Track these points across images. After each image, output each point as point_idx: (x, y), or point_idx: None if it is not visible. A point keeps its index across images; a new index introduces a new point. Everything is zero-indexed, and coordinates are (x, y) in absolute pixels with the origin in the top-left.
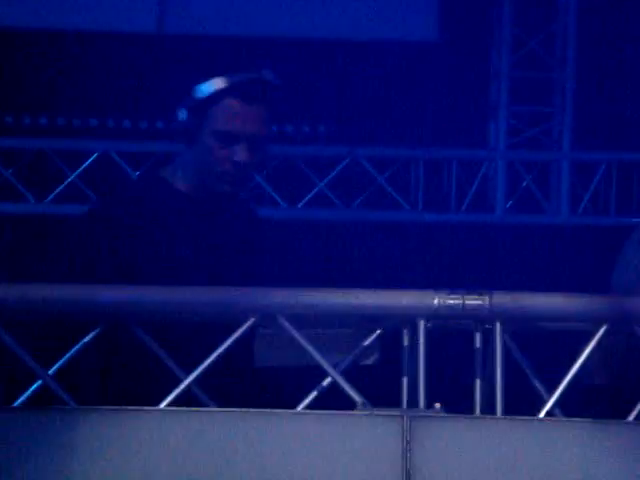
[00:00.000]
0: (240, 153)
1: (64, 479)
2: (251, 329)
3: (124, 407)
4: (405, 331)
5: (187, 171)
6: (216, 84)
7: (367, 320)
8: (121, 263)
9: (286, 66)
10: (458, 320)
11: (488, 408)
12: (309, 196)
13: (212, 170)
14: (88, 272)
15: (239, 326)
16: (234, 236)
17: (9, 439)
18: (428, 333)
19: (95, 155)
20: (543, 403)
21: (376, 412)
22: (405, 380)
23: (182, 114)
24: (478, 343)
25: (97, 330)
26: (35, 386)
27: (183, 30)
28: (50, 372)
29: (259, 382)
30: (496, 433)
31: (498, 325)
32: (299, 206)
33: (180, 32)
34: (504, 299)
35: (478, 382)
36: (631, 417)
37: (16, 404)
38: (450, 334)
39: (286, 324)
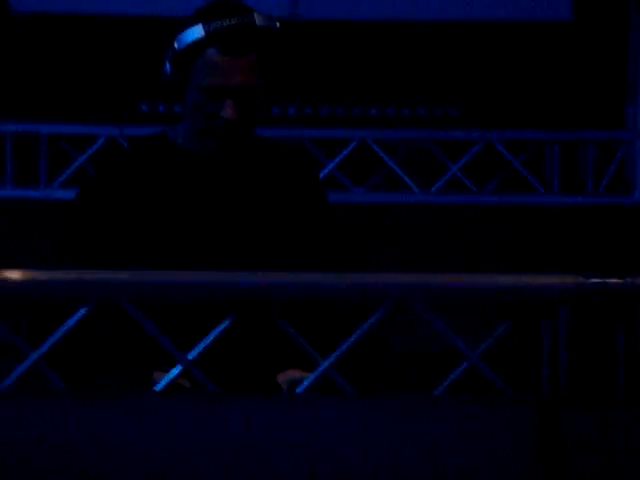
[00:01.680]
0: (226, 109)
1: None
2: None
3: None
4: (544, 316)
5: (191, 127)
6: (194, 33)
7: (505, 304)
8: (118, 235)
9: (419, 49)
10: (600, 304)
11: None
12: (442, 180)
13: (204, 126)
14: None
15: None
16: (260, 196)
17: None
18: (568, 318)
19: None
20: None
21: (515, 397)
22: (545, 366)
23: (166, 67)
24: (620, 329)
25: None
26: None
27: (315, 15)
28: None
29: (398, 366)
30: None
31: None
32: (433, 190)
33: (312, 17)
34: None
35: (621, 369)
36: None
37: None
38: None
39: (422, 307)
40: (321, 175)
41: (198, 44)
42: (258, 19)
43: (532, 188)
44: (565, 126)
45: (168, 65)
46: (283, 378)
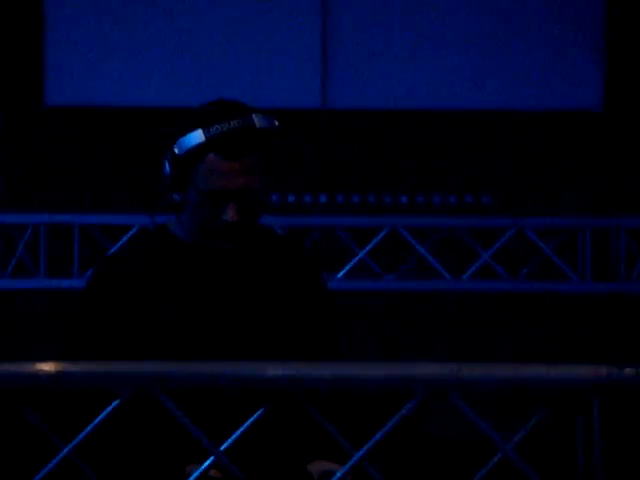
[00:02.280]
0: (228, 212)
1: None
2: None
3: None
4: (578, 408)
5: (190, 223)
6: (194, 139)
7: (538, 396)
8: (123, 331)
9: (451, 137)
10: (634, 395)
11: None
12: (474, 267)
13: (204, 228)
14: (89, 344)
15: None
16: (262, 289)
17: None
18: (602, 410)
19: None
20: None
21: None
22: (581, 459)
23: (166, 168)
24: None
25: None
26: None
27: (344, 105)
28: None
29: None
30: None
31: None
32: (464, 277)
33: (341, 107)
34: None
35: None
36: None
37: None
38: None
39: (457, 400)
40: (350, 263)
41: (198, 149)
42: (257, 120)
43: (564, 275)
44: (597, 212)
45: (168, 167)
46: (314, 469)
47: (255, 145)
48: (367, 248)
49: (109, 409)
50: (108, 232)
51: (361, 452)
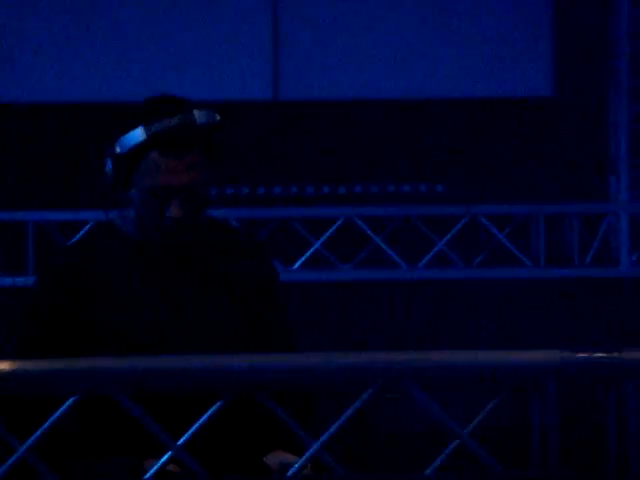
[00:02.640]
0: (172, 209)
1: None
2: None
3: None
4: (532, 392)
5: (136, 219)
6: (135, 137)
7: (493, 381)
8: (75, 329)
9: (404, 126)
10: (586, 379)
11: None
12: (429, 255)
13: (148, 225)
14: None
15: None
16: (213, 282)
17: None
18: (555, 393)
19: None
20: None
21: (505, 475)
22: (536, 442)
23: (108, 166)
24: (610, 403)
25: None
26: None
27: (296, 96)
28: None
29: (386, 447)
30: None
31: (630, 383)
32: (420, 266)
33: (295, 98)
34: (635, 355)
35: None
36: None
37: None
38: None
39: (412, 387)
40: (306, 254)
41: (139, 148)
42: (198, 116)
43: (518, 261)
44: (549, 199)
45: (110, 165)
46: (272, 461)
47: (197, 141)
48: (322, 238)
49: (64, 407)
50: (62, 229)
51: (319, 442)
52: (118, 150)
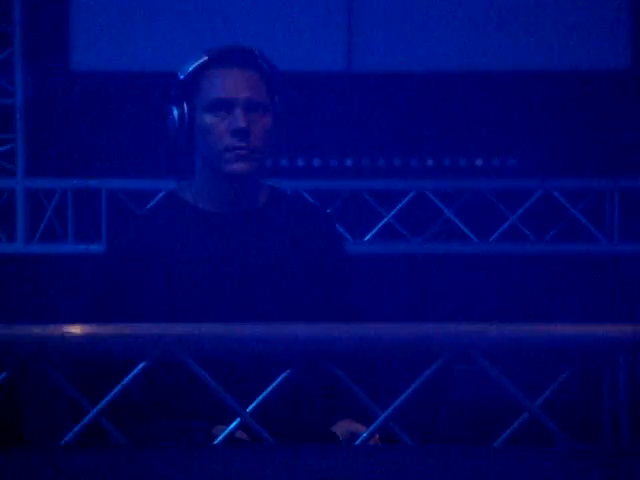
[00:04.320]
0: (237, 119)
1: None
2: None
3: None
4: (605, 366)
5: (202, 183)
6: (196, 60)
7: (564, 355)
8: (137, 298)
9: (477, 99)
10: None
11: None
12: (500, 229)
13: (216, 153)
14: (106, 308)
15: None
16: (275, 251)
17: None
18: (628, 368)
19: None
20: None
21: (577, 449)
22: (607, 417)
23: (172, 113)
24: None
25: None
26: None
27: (369, 68)
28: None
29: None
30: None
31: None
32: (491, 240)
33: (366, 70)
34: None
35: None
36: None
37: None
38: None
39: (482, 360)
40: (377, 226)
41: (201, 66)
42: (250, 47)
43: (592, 237)
44: (624, 174)
45: (174, 108)
46: (340, 430)
47: (256, 65)
48: (393, 211)
49: (135, 371)
50: (135, 197)
51: (387, 412)
52: (180, 76)
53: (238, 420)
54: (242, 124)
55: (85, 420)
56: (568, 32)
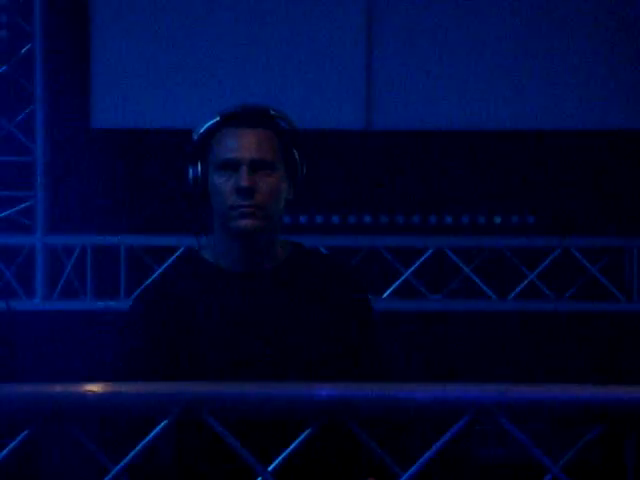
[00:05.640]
0: (241, 179)
1: None
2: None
3: None
4: (627, 429)
5: (220, 241)
6: (210, 120)
7: (587, 417)
8: (159, 356)
9: (495, 157)
10: None
11: None
12: (520, 287)
13: (224, 211)
14: (126, 366)
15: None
16: (301, 312)
17: None
18: None
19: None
20: None
21: None
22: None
23: (188, 172)
24: None
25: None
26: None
27: (388, 126)
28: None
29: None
30: None
31: None
32: (510, 298)
33: (385, 128)
34: None
35: None
36: None
37: None
38: None
39: (505, 421)
40: (396, 283)
41: (213, 127)
42: (272, 109)
43: (611, 295)
44: None
45: (190, 168)
46: None
47: (269, 124)
48: (412, 268)
49: (157, 429)
50: (154, 253)
51: (410, 472)
52: (194, 137)
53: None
54: (245, 183)
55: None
56: (587, 92)
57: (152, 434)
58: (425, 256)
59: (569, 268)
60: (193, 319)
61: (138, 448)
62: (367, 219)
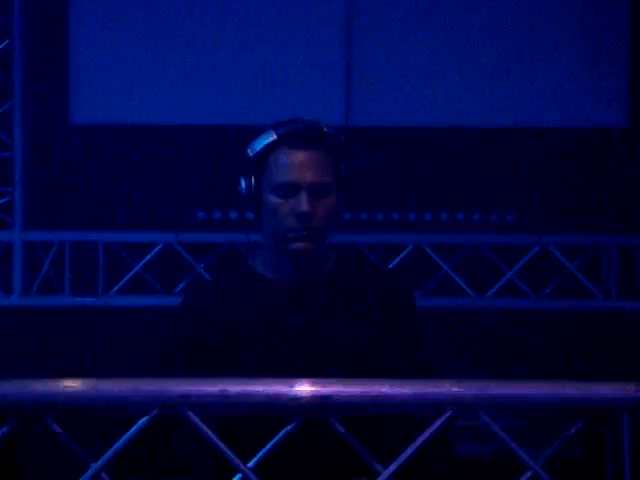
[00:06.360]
0: (303, 203)
1: None
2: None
3: None
4: (607, 425)
5: (268, 254)
6: (265, 138)
7: (567, 412)
8: (204, 356)
9: (474, 155)
10: None
11: None
12: (498, 285)
13: (280, 232)
14: (169, 362)
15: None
16: (350, 321)
17: None
18: (631, 427)
19: None
20: None
21: None
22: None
23: (241, 184)
24: None
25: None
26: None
27: (367, 123)
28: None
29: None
30: None
31: None
32: (488, 295)
33: (364, 124)
34: None
35: None
36: None
37: None
38: None
39: (485, 417)
40: None
41: (270, 146)
42: (324, 126)
43: (588, 293)
44: (621, 230)
45: (243, 179)
46: None
47: (323, 144)
48: (391, 265)
49: (137, 426)
50: (133, 250)
51: (390, 469)
52: (249, 153)
53: (239, 476)
54: (305, 209)
55: (85, 477)
56: (567, 90)
57: (132, 430)
58: (404, 253)
59: (547, 266)
60: (237, 326)
61: (118, 445)
62: (345, 216)
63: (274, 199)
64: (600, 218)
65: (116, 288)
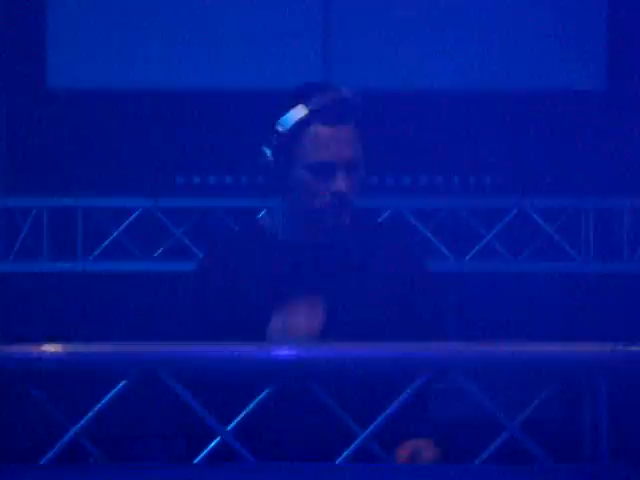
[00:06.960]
0: (340, 182)
1: None
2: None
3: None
4: (584, 385)
5: (287, 218)
6: (297, 114)
7: (543, 374)
8: (218, 321)
9: (452, 118)
10: (638, 373)
11: None
12: (477, 248)
13: (312, 209)
14: (186, 328)
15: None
16: (363, 285)
17: None
18: (608, 387)
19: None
20: None
21: (556, 467)
22: (587, 436)
23: (267, 152)
24: None
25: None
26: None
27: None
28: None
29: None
30: None
31: None
32: (467, 258)
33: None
34: None
35: None
36: None
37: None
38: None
39: (462, 379)
40: None
41: (302, 122)
42: (347, 93)
43: (567, 255)
44: (600, 193)
45: (269, 150)
46: None
47: (353, 115)
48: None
49: (116, 390)
50: (111, 215)
51: (366, 432)
52: (280, 129)
53: (218, 439)
54: (342, 188)
55: (64, 440)
56: (544, 53)
57: (111, 394)
58: (383, 217)
59: (526, 228)
60: (247, 287)
61: (97, 407)
62: None
63: (307, 176)
64: (578, 181)
65: (95, 253)
